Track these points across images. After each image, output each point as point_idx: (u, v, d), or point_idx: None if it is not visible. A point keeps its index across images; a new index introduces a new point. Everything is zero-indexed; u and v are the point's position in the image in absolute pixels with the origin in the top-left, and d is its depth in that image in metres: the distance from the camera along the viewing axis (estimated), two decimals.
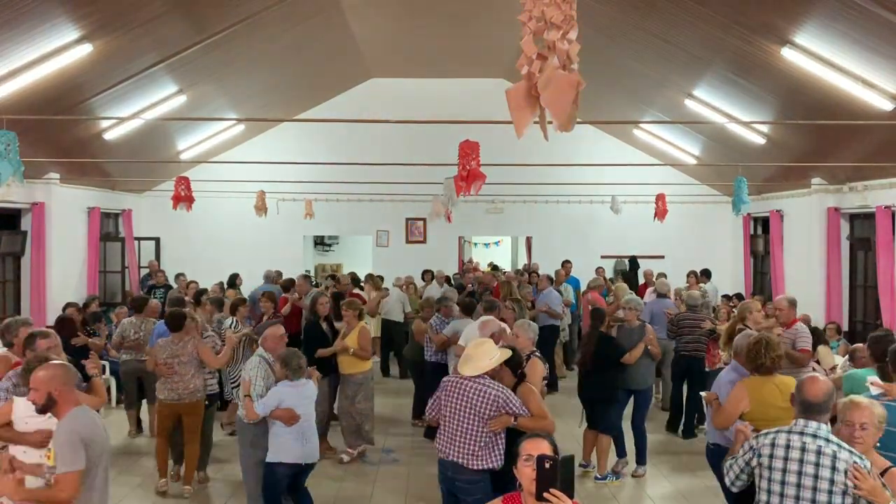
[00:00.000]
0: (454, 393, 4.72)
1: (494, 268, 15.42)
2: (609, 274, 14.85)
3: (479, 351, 4.74)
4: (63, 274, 11.78)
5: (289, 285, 11.34)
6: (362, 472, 7.54)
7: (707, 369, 8.59)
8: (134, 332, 8.54)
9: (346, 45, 12.36)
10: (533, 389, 4.88)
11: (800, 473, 3.42)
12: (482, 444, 4.61)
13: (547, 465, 2.79)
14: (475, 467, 4.61)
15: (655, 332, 8.03)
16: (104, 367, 9.00)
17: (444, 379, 4.96)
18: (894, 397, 4.42)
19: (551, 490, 2.76)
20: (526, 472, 2.91)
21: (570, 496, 2.78)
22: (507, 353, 4.82)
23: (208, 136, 13.92)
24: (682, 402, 9.01)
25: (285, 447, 5.44)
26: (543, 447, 2.93)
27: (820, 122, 8.65)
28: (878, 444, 3.74)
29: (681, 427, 8.93)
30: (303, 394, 5.55)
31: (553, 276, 12.75)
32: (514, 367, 4.90)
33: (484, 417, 4.60)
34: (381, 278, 13.37)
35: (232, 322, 8.31)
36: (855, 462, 3.33)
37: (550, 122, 2.49)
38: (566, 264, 13.88)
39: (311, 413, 5.59)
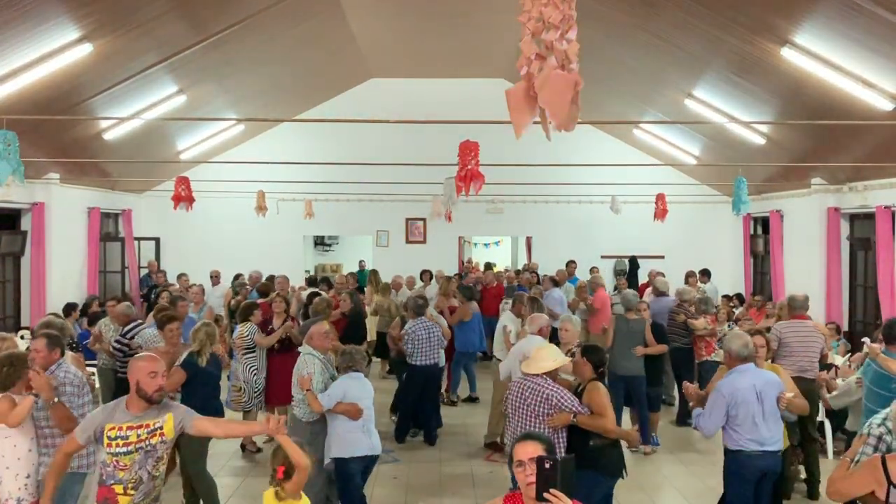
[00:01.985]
0: (515, 392, 5.10)
1: (488, 266, 15.42)
2: (605, 274, 14.83)
3: (542, 353, 5.09)
4: (63, 274, 11.78)
5: (267, 290, 10.60)
6: None
7: (697, 360, 9.21)
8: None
9: (346, 45, 12.36)
10: (599, 387, 5.04)
11: None
12: None
13: (547, 466, 2.79)
14: None
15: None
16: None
17: (512, 380, 5.40)
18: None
19: (551, 490, 2.76)
20: (520, 478, 2.91)
21: (570, 496, 2.78)
22: (568, 360, 5.15)
23: (208, 136, 13.92)
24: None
25: (354, 441, 5.57)
26: (532, 450, 2.91)
27: (820, 122, 8.65)
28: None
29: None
30: (364, 387, 5.69)
31: (555, 276, 12.75)
32: (597, 364, 5.15)
33: (539, 415, 4.89)
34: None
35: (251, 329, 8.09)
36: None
37: (552, 122, 2.49)
38: (570, 265, 13.87)
39: (371, 407, 5.69)
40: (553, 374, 5.05)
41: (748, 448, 4.85)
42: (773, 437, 4.88)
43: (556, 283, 12.10)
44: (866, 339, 7.38)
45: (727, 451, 5.02)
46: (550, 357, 5.04)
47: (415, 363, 8.50)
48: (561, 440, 4.94)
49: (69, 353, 5.61)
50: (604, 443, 4.95)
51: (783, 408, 4.90)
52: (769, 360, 6.15)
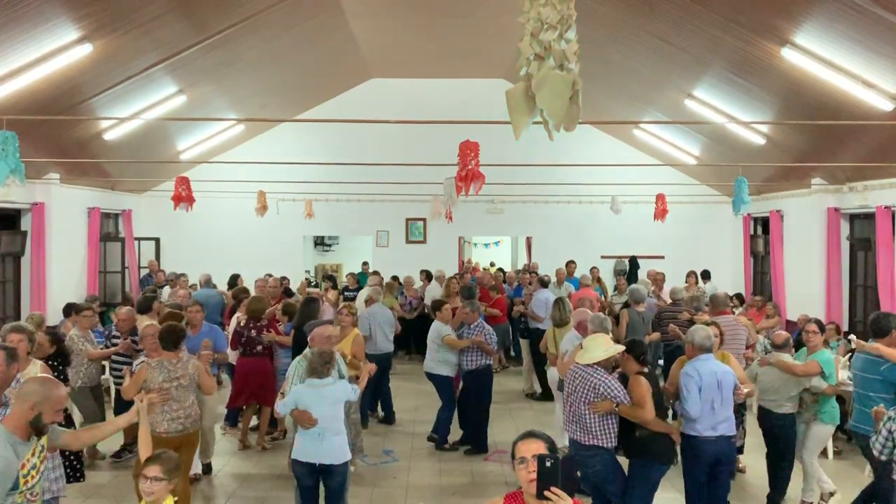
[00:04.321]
0: (570, 379, 5.52)
1: (498, 269, 15.48)
2: (605, 274, 14.83)
3: (593, 343, 5.45)
4: (63, 274, 11.78)
5: (241, 295, 9.78)
6: (362, 473, 7.53)
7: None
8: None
9: (346, 45, 12.36)
10: (641, 381, 5.37)
11: None
12: (588, 424, 5.33)
13: (548, 464, 2.78)
14: (586, 443, 5.36)
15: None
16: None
17: (570, 368, 5.66)
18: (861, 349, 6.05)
19: (552, 489, 2.76)
20: (522, 475, 2.91)
21: (571, 495, 2.78)
22: (621, 348, 5.46)
23: (208, 136, 13.92)
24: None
25: (300, 445, 5.46)
26: (535, 447, 2.91)
27: (820, 122, 8.65)
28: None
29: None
30: (322, 394, 5.43)
31: (550, 275, 12.70)
32: (638, 356, 5.45)
33: (586, 401, 5.32)
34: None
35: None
36: None
37: (552, 122, 2.49)
38: (570, 264, 13.87)
39: (332, 415, 5.43)
40: (605, 364, 5.39)
41: (703, 434, 5.35)
42: (727, 423, 5.41)
43: (544, 283, 11.91)
44: (852, 336, 8.00)
45: (684, 437, 5.48)
46: (601, 347, 5.37)
47: (487, 363, 8.28)
48: (611, 428, 5.34)
49: (38, 364, 5.33)
50: (648, 433, 5.30)
51: (739, 400, 5.50)
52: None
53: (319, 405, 5.40)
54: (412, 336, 13.39)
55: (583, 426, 5.35)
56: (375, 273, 13.44)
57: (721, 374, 5.44)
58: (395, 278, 13.60)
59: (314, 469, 5.41)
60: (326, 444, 5.39)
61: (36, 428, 3.52)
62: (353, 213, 15.35)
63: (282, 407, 5.53)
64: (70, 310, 10.08)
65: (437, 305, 8.96)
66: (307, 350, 5.94)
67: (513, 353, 13.26)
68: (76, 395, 7.44)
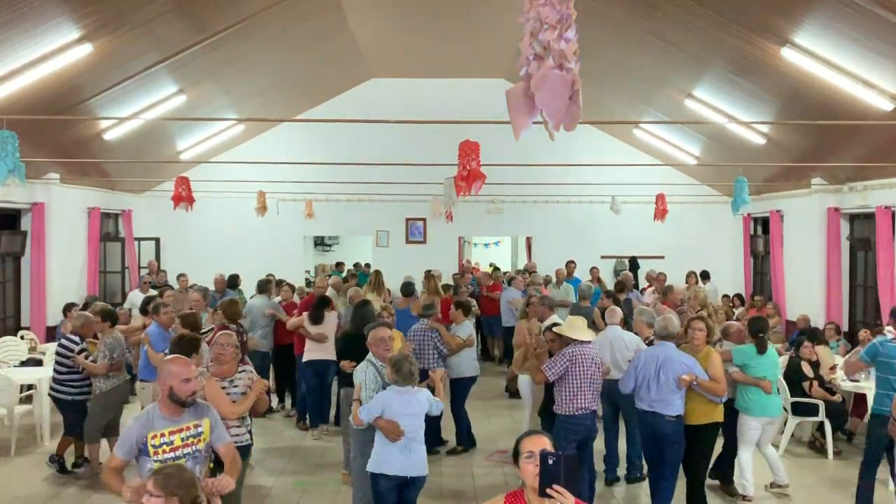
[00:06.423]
0: (587, 359, 6.02)
1: (496, 269, 15.45)
2: (605, 274, 14.81)
3: (581, 323, 6.17)
4: (63, 274, 11.78)
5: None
6: None
7: None
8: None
9: (346, 45, 12.36)
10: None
11: None
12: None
13: (551, 461, 2.78)
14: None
15: None
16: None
17: (571, 351, 6.01)
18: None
19: (554, 486, 2.75)
20: (528, 469, 2.90)
21: (574, 493, 2.78)
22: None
23: (208, 136, 13.92)
24: None
25: (387, 458, 5.12)
26: (543, 443, 2.92)
27: (820, 122, 8.65)
28: None
29: None
30: (410, 402, 5.14)
31: (551, 275, 12.72)
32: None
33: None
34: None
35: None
36: None
37: (551, 122, 2.49)
38: (570, 264, 13.87)
39: (418, 424, 5.17)
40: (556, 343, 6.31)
41: (641, 407, 6.10)
42: (663, 403, 5.93)
43: (509, 283, 11.97)
44: (890, 328, 7.70)
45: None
46: (587, 328, 6.22)
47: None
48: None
49: None
50: None
51: (680, 387, 5.86)
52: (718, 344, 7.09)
53: (408, 413, 5.13)
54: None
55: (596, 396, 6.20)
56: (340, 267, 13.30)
57: (664, 360, 5.96)
58: (355, 268, 13.28)
59: (401, 482, 5.13)
60: (415, 455, 5.16)
61: (177, 401, 3.84)
62: (353, 213, 15.35)
63: (366, 414, 5.15)
64: (69, 309, 10.02)
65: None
66: (369, 355, 5.62)
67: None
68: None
